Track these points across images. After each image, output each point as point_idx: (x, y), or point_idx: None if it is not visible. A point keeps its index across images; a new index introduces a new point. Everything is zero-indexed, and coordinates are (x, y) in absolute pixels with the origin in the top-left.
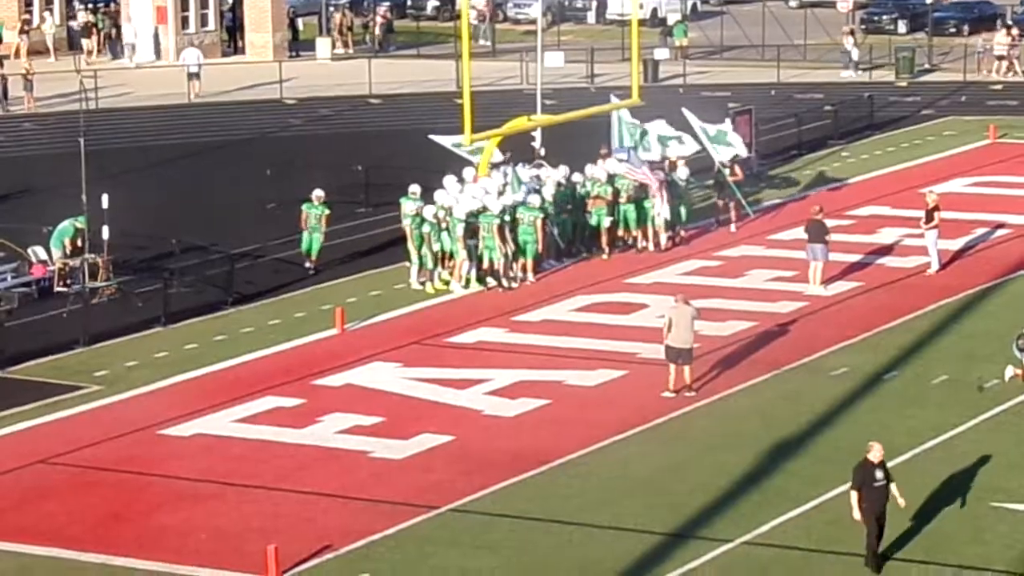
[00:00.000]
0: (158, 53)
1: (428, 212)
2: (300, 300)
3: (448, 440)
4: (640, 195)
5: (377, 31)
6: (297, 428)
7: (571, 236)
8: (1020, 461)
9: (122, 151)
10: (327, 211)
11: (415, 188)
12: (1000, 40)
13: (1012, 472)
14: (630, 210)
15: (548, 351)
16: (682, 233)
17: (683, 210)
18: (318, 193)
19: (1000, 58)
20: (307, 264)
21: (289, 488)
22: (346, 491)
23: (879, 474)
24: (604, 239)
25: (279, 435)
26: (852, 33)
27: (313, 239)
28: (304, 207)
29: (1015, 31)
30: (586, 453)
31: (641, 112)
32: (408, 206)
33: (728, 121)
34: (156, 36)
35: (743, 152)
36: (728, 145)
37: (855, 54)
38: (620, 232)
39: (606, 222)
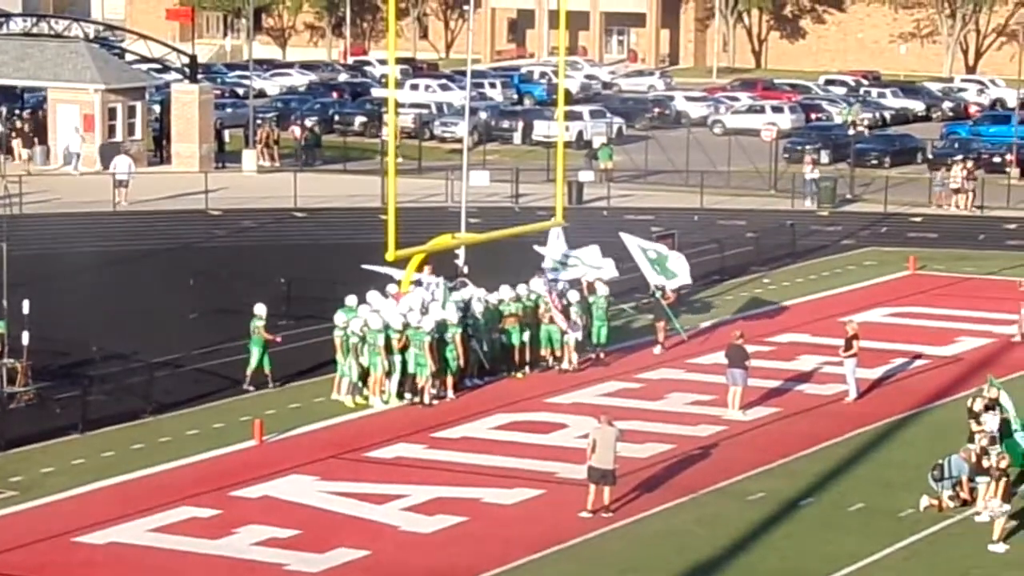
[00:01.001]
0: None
1: (355, 325)
2: (219, 411)
3: (364, 555)
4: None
5: (302, 142)
6: (212, 539)
7: (496, 355)
8: None
9: (45, 257)
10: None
11: (351, 300)
12: (956, 174)
13: None
14: (552, 330)
15: (466, 468)
16: (602, 355)
17: (603, 331)
18: (260, 307)
19: (956, 191)
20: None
21: None
22: None
23: None
24: (518, 358)
25: (194, 546)
26: (814, 163)
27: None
28: (251, 324)
29: (970, 164)
30: (502, 571)
31: (569, 234)
32: (339, 318)
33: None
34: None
35: (687, 280)
36: (672, 274)
37: (814, 183)
38: (543, 351)
39: (522, 339)
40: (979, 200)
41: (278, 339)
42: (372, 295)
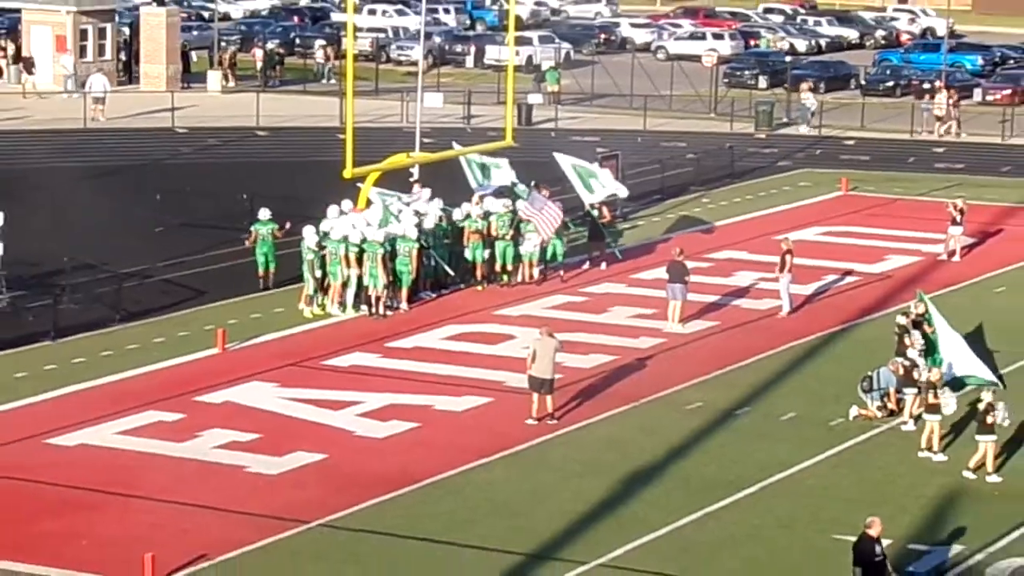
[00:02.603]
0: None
1: (310, 240)
2: (183, 320)
3: (321, 458)
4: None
5: (258, 64)
6: (177, 442)
7: (453, 265)
8: (861, 496)
9: (18, 172)
10: (276, 226)
11: (264, 213)
12: (940, 101)
13: (854, 506)
14: (509, 246)
15: (419, 377)
16: (561, 273)
17: (559, 249)
18: (265, 211)
19: (940, 119)
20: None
21: (168, 499)
22: (222, 504)
23: (878, 549)
24: (479, 272)
25: (160, 448)
26: (812, 89)
27: (269, 255)
28: (254, 227)
29: (953, 93)
30: (452, 475)
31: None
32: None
33: (596, 164)
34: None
35: (621, 191)
36: (601, 186)
37: (813, 108)
38: (497, 267)
39: (483, 255)
40: (961, 128)
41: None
42: (331, 208)
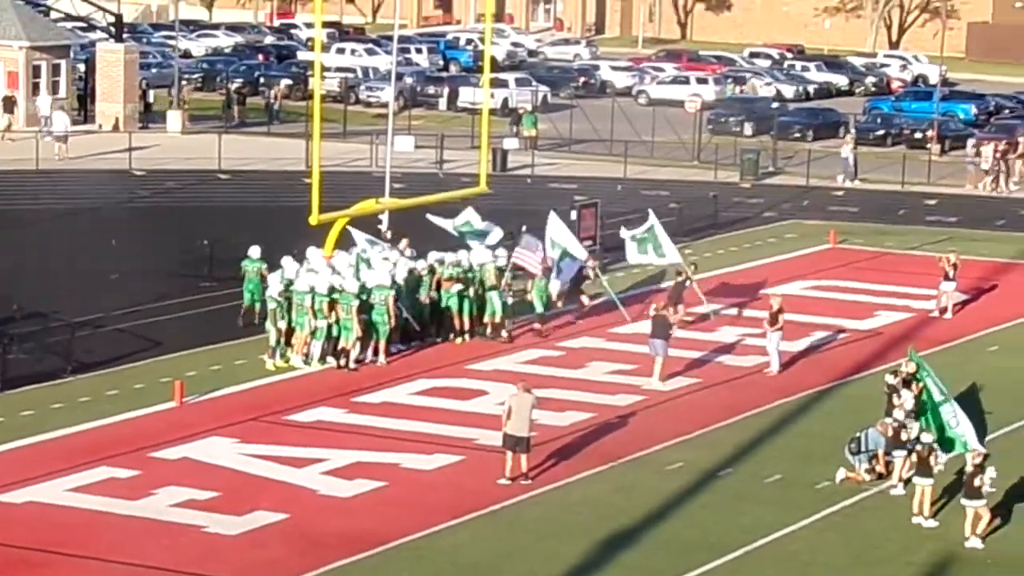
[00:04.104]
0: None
1: (274, 289)
2: (139, 372)
3: (282, 518)
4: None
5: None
6: (131, 500)
7: (426, 319)
8: (849, 562)
9: None
10: (264, 265)
11: (254, 251)
12: (987, 155)
13: (840, 573)
14: (493, 297)
15: (386, 433)
16: (539, 326)
17: (539, 302)
18: (255, 249)
19: (987, 172)
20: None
21: (120, 560)
22: (178, 565)
23: None
24: (457, 323)
25: (112, 506)
26: (852, 141)
27: (256, 293)
28: (243, 263)
29: (1003, 145)
30: (420, 536)
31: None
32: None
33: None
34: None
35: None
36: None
37: (851, 161)
38: (486, 319)
39: (461, 304)
40: (1008, 183)
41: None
42: (285, 260)
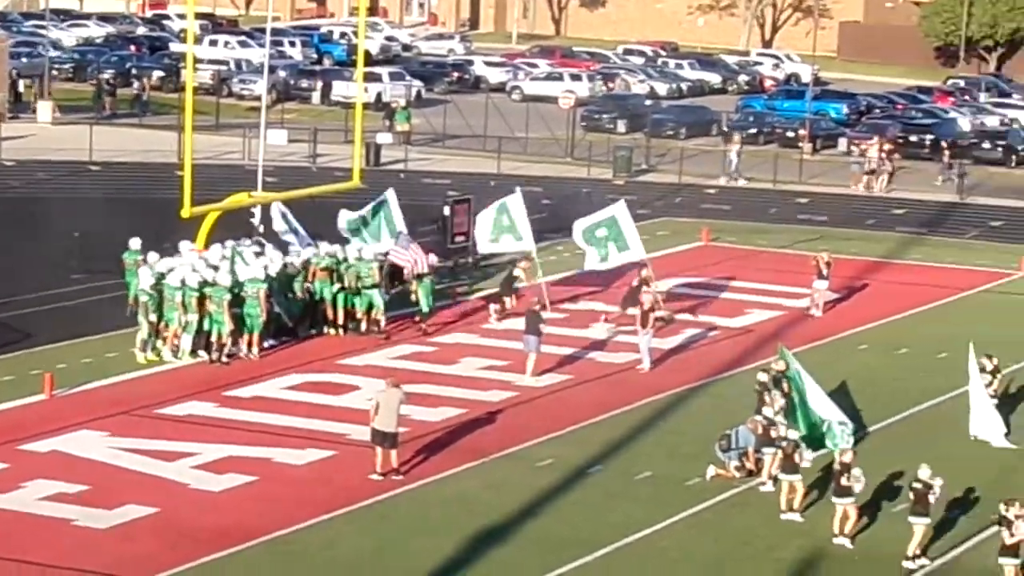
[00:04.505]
0: None
1: (144, 282)
2: (9, 364)
3: (153, 512)
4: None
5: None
6: None
7: (298, 315)
8: (719, 558)
9: None
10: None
11: (134, 242)
12: (872, 155)
13: (710, 569)
14: (374, 295)
15: (258, 428)
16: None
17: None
18: (135, 241)
19: (871, 173)
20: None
21: None
22: (47, 559)
23: None
24: (330, 314)
25: None
26: (739, 141)
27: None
28: (124, 255)
29: (888, 145)
30: (292, 531)
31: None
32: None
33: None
34: None
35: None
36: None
37: (735, 162)
38: (359, 314)
39: (335, 296)
40: (892, 182)
41: None
42: (151, 255)
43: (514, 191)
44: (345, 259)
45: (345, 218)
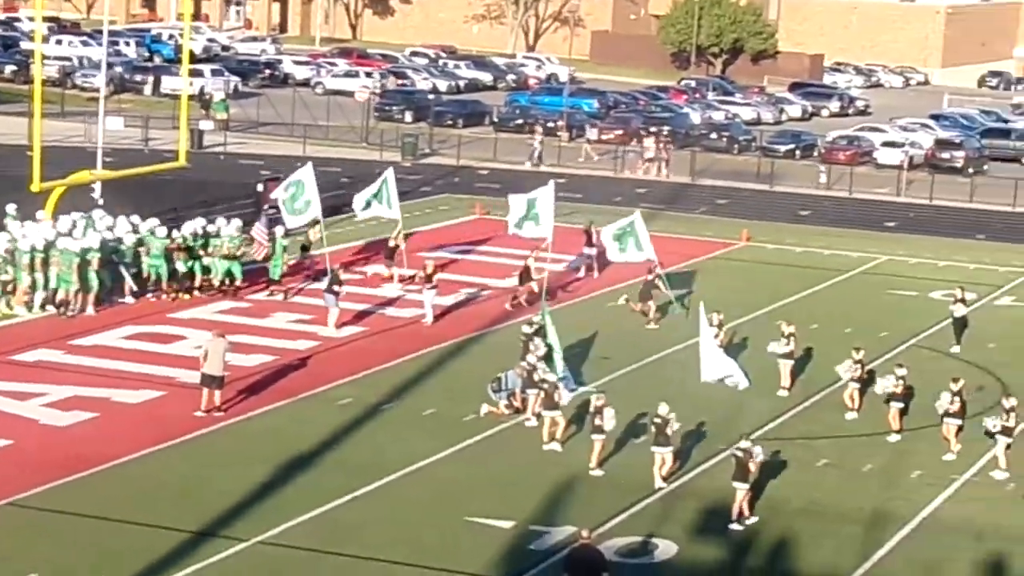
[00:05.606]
0: None
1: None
2: None
3: (7, 444)
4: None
5: None
6: None
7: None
8: (490, 483)
9: None
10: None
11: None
12: (649, 145)
13: (482, 493)
14: (225, 265)
15: (99, 372)
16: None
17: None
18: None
19: (650, 160)
20: None
21: None
22: None
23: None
24: (189, 283)
25: None
26: (541, 133)
27: None
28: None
29: (664, 136)
30: (128, 460)
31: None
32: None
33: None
34: None
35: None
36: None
37: (538, 150)
38: (215, 280)
39: (190, 267)
40: (666, 168)
41: None
42: (39, 214)
43: (547, 183)
44: (203, 233)
45: (358, 199)
